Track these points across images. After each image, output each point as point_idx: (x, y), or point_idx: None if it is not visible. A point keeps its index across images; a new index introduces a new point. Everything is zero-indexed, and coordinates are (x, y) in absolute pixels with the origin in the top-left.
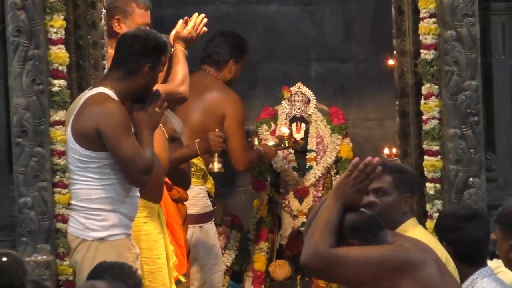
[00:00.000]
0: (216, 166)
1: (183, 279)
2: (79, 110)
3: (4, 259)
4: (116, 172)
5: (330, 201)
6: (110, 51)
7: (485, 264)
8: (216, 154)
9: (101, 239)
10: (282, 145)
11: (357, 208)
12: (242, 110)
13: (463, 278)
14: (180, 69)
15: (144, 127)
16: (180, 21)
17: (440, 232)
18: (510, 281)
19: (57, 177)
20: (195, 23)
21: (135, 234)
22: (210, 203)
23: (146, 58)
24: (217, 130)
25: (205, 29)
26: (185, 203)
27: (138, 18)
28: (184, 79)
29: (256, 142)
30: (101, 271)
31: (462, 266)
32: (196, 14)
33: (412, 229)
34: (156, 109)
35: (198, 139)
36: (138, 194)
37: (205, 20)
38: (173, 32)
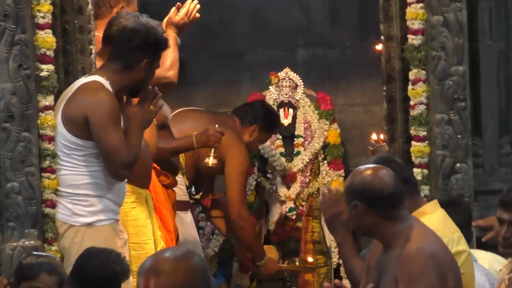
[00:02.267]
0: (211, 161)
1: None
2: (71, 96)
3: None
4: (101, 160)
5: None
6: (97, 35)
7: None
8: (212, 149)
9: (89, 224)
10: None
11: None
12: (246, 164)
13: None
14: (170, 54)
15: (135, 123)
16: (173, 8)
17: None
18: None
19: (47, 162)
20: (188, 9)
21: (123, 220)
22: (187, 193)
23: (144, 53)
24: (216, 126)
25: (197, 15)
26: None
27: (134, 5)
28: (173, 65)
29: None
30: (88, 256)
31: None
32: (190, 0)
33: (430, 213)
34: (151, 107)
35: (195, 132)
36: (125, 180)
37: (198, 6)
38: (165, 19)
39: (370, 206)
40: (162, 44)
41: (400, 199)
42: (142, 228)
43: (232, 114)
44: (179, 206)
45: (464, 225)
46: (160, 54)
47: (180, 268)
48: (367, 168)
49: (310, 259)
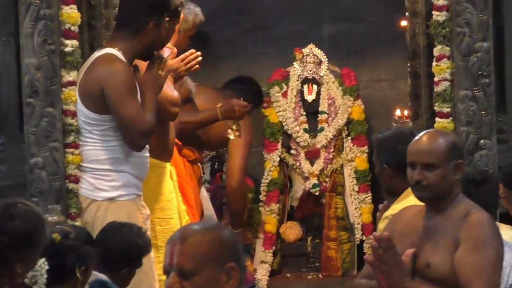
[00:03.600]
0: (233, 134)
1: None
2: (86, 71)
3: (19, 205)
4: (119, 134)
5: None
6: None
7: None
8: (236, 121)
9: (111, 199)
10: None
11: None
12: (250, 136)
13: None
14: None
15: (147, 90)
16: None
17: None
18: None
19: (71, 137)
20: (185, 56)
21: (148, 194)
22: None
23: (149, 16)
24: (241, 99)
25: (197, 66)
26: None
27: None
28: (176, 103)
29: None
30: (110, 230)
31: None
32: (192, 50)
33: None
34: (160, 71)
35: (220, 104)
36: (147, 154)
37: (200, 58)
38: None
39: (464, 166)
40: (165, 3)
41: None
42: (167, 202)
43: (225, 89)
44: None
45: (493, 203)
46: (165, 13)
47: (205, 238)
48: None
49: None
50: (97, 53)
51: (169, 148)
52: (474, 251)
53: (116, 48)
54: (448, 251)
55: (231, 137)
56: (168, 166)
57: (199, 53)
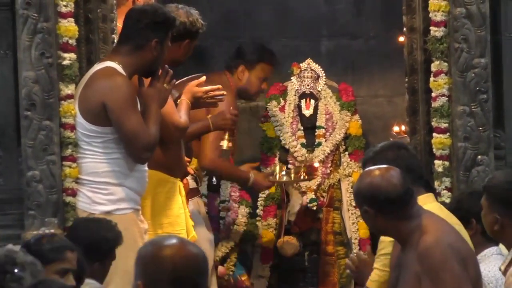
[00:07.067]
0: (226, 143)
1: None
2: (86, 84)
3: None
4: (121, 146)
5: None
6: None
7: (497, 244)
8: (227, 132)
9: (107, 213)
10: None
11: None
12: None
13: (476, 248)
14: (183, 115)
15: (152, 103)
16: (203, 78)
17: (469, 209)
18: None
19: (69, 150)
20: (212, 89)
21: (158, 209)
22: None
23: (153, 33)
24: (231, 108)
25: (218, 101)
26: None
27: None
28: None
29: (277, 170)
30: (76, 227)
31: (482, 239)
32: (220, 86)
33: (429, 204)
34: (165, 85)
35: (210, 115)
36: (146, 168)
37: (223, 97)
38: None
39: (380, 210)
40: (171, 22)
41: (410, 196)
42: (176, 218)
43: (235, 66)
44: (193, 193)
45: None
46: (169, 32)
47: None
48: (373, 171)
49: (316, 164)
50: (97, 66)
51: (182, 164)
52: (434, 284)
53: (116, 62)
54: (412, 286)
55: (224, 147)
56: (178, 182)
57: (224, 92)
